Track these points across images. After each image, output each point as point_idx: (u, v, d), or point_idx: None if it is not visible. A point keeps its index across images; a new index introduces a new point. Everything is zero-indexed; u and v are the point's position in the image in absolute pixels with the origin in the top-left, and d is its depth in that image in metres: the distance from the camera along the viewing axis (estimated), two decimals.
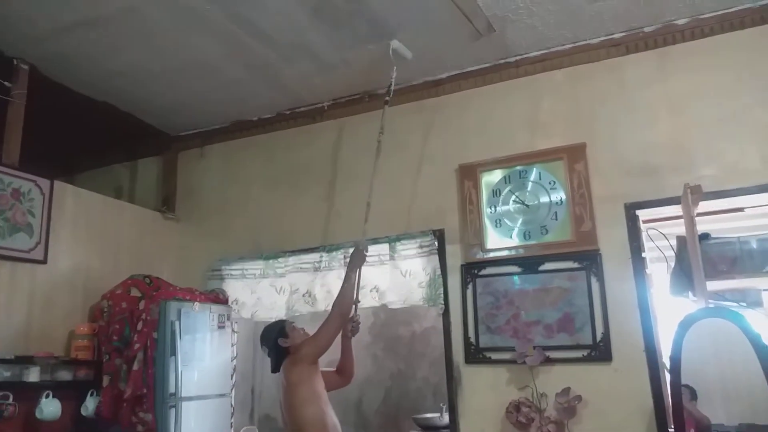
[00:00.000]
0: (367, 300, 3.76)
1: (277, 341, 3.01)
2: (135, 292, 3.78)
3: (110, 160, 5.07)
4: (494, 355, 3.42)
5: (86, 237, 4.02)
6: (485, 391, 3.39)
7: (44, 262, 3.69)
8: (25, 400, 3.33)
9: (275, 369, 3.04)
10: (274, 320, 3.39)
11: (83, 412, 3.55)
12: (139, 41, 3.49)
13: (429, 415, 3.90)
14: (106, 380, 3.57)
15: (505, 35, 3.49)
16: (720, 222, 3.34)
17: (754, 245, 2.87)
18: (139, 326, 3.58)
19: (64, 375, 3.54)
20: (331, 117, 4.27)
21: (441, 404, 3.75)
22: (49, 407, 3.36)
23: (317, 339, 2.97)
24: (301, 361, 2.92)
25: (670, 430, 2.89)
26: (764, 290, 3.11)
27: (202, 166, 4.72)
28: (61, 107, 4.19)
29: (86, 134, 4.67)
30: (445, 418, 3.63)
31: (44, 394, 3.38)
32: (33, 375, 3.35)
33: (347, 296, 3.09)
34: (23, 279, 3.58)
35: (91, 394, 3.58)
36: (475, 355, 3.46)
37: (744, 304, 3.09)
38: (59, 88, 3.96)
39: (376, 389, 4.62)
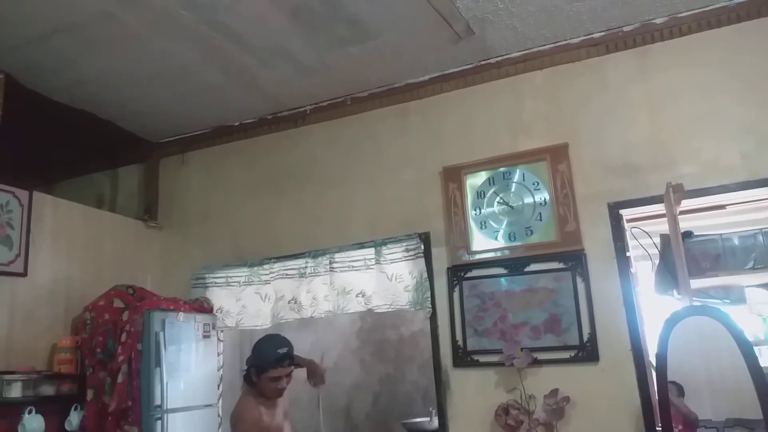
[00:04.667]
0: (353, 305, 3.75)
1: (250, 371, 2.71)
2: (118, 303, 3.74)
3: (90, 169, 5.00)
4: (482, 358, 3.41)
5: (67, 248, 3.96)
6: (474, 395, 3.39)
7: (24, 274, 3.63)
8: (7, 416, 3.28)
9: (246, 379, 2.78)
10: (274, 334, 2.97)
11: (67, 427, 3.50)
12: (115, 47, 3.44)
13: (419, 420, 3.89)
14: (90, 394, 3.52)
15: (486, 37, 3.48)
16: (702, 219, 3.37)
17: (736, 242, 2.90)
18: (123, 338, 3.53)
19: (47, 390, 3.49)
20: (313, 121, 4.24)
21: (430, 408, 3.73)
22: (32, 423, 3.31)
23: None
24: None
25: (657, 428, 2.90)
26: (747, 287, 3.13)
27: (184, 172, 4.66)
28: (39, 116, 4.12)
29: (65, 143, 4.60)
30: (435, 423, 3.62)
31: (27, 410, 3.32)
32: (15, 390, 3.29)
33: None
34: (3, 292, 3.52)
35: (75, 409, 3.53)
36: (463, 358, 3.45)
37: (728, 301, 3.13)
38: (36, 97, 3.89)
39: (364, 394, 4.59)
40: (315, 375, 3.01)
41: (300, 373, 3.08)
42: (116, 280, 3.96)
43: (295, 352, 2.83)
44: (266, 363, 2.64)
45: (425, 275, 3.60)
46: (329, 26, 3.31)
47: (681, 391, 2.69)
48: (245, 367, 2.75)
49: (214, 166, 4.55)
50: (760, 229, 2.91)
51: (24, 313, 3.61)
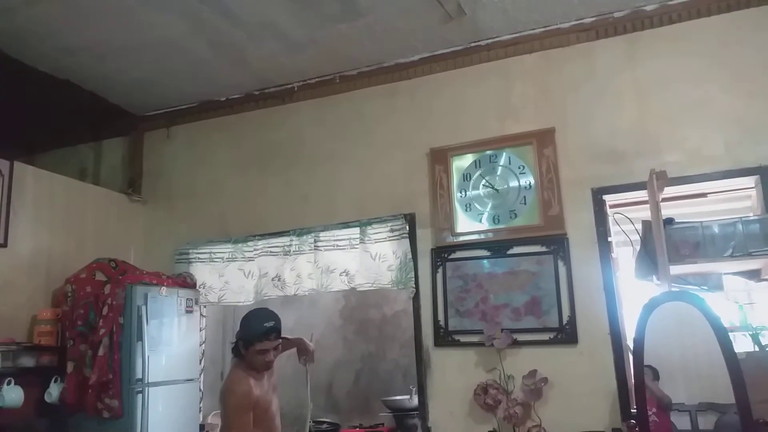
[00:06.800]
0: (336, 283, 3.77)
1: (238, 344, 2.65)
2: (100, 276, 3.71)
3: (74, 141, 4.93)
4: (463, 338, 3.45)
5: (49, 219, 3.92)
6: (454, 374, 3.43)
7: (4, 245, 3.60)
8: None
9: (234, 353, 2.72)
10: (262, 308, 2.85)
11: (47, 398, 3.49)
12: (102, 17, 3.38)
13: (398, 398, 3.92)
14: (70, 366, 3.50)
15: (477, 18, 3.46)
16: (683, 207, 3.40)
17: (716, 230, 2.92)
18: (105, 311, 3.51)
19: (27, 361, 3.47)
20: (301, 98, 4.21)
21: (411, 386, 3.77)
22: (11, 394, 3.30)
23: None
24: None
25: (632, 410, 2.96)
26: (725, 274, 3.18)
27: (169, 147, 4.61)
28: (21, 85, 4.04)
29: (48, 113, 4.53)
30: (415, 401, 3.65)
31: (6, 381, 3.31)
32: None
33: None
34: None
35: (55, 381, 3.52)
36: (445, 337, 3.49)
37: (705, 288, 3.16)
38: (18, 65, 3.82)
39: (346, 372, 4.62)
40: (306, 353, 3.00)
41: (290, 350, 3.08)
42: (98, 253, 3.94)
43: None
44: (253, 336, 2.61)
45: (409, 256, 3.61)
46: (319, 2, 3.27)
47: (656, 375, 2.73)
48: (234, 341, 2.71)
49: (200, 141, 4.51)
50: (740, 217, 2.93)
51: (4, 284, 3.58)
